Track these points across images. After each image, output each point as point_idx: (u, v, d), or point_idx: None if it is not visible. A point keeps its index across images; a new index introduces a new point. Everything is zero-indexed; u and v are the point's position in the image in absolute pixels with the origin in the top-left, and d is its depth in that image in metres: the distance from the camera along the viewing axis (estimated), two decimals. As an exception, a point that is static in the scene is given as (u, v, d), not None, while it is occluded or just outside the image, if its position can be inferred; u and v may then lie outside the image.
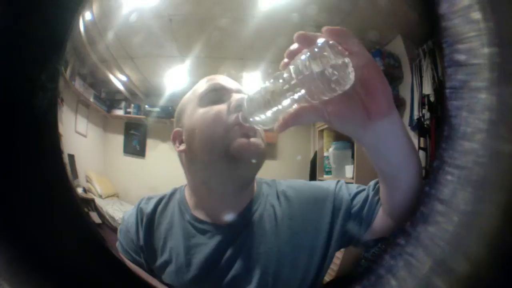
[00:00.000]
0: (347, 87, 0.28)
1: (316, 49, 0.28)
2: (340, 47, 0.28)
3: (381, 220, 0.39)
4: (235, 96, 0.40)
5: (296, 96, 0.30)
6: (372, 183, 0.41)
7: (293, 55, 0.31)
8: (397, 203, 0.37)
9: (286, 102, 0.32)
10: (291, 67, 0.30)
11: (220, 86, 0.41)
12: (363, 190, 0.41)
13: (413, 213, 0.31)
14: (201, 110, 0.40)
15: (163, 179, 0.47)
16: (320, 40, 0.29)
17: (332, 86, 0.28)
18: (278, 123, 0.33)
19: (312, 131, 0.46)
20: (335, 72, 0.27)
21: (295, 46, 0.32)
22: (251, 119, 0.35)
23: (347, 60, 0.28)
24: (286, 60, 0.32)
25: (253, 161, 0.40)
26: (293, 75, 0.30)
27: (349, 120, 0.32)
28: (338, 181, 0.43)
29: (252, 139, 0.39)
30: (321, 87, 0.28)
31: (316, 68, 0.28)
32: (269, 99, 0.32)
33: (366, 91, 0.30)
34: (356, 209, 0.41)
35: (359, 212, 0.40)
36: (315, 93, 0.29)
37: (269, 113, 0.33)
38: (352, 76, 0.28)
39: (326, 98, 0.29)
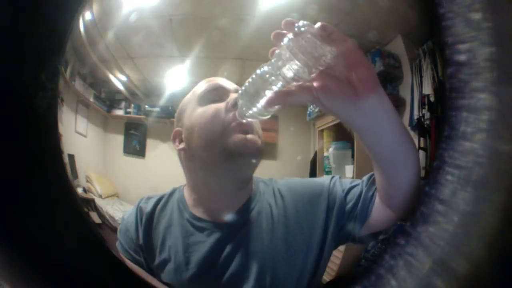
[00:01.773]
0: (329, 57, 0.30)
1: (296, 29, 0.30)
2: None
3: (379, 212, 0.39)
4: (233, 96, 0.40)
5: (285, 76, 0.32)
6: (365, 177, 0.41)
7: (278, 36, 0.32)
8: (395, 190, 0.37)
9: (276, 87, 0.33)
10: (277, 51, 0.32)
11: (218, 86, 0.42)
12: (357, 185, 0.42)
13: (413, 213, 0.31)
14: (201, 109, 0.41)
15: (163, 179, 0.47)
16: (301, 23, 0.31)
17: (316, 56, 0.30)
18: (266, 99, 0.33)
19: (312, 131, 0.46)
20: (317, 43, 0.30)
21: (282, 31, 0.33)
22: (247, 113, 0.36)
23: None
24: (273, 48, 0.34)
25: (251, 158, 0.41)
26: (283, 54, 0.31)
27: (337, 96, 0.33)
28: (333, 177, 0.43)
29: (249, 136, 0.39)
30: (306, 59, 0.30)
31: (298, 42, 0.30)
32: (261, 86, 0.33)
33: (350, 70, 0.32)
34: (350, 206, 0.41)
35: (353, 210, 0.41)
36: (301, 67, 0.30)
37: (263, 101, 0.34)
38: (333, 50, 0.30)
39: (313, 71, 0.31)
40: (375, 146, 0.36)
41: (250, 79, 0.34)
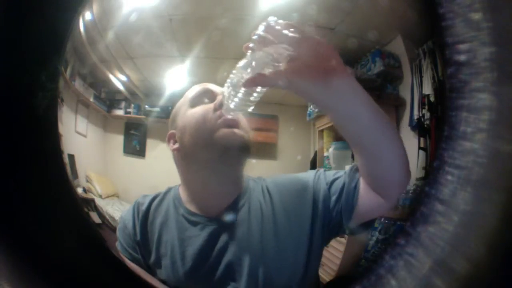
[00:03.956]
0: (292, 46, 0.33)
1: (265, 23, 0.35)
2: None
3: (368, 200, 0.40)
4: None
5: (259, 64, 0.35)
6: (348, 168, 0.42)
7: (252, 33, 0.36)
8: (379, 175, 0.38)
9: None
10: (251, 45, 0.36)
11: (208, 89, 0.44)
12: (340, 176, 0.42)
13: (413, 213, 0.31)
14: (191, 110, 0.43)
15: (162, 179, 0.47)
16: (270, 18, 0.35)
17: (282, 43, 0.33)
18: (246, 80, 0.36)
19: (312, 131, 0.46)
20: (283, 35, 0.34)
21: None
22: (232, 105, 0.38)
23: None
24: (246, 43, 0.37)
25: (238, 151, 0.42)
26: (255, 47, 0.35)
27: (307, 77, 0.35)
28: (317, 171, 0.44)
29: (236, 130, 0.42)
30: (273, 48, 0.34)
31: (267, 33, 0.34)
32: (240, 76, 0.36)
33: (318, 56, 0.34)
34: (334, 199, 0.42)
35: (337, 202, 0.41)
36: (271, 55, 0.34)
37: (243, 93, 0.37)
38: (294, 38, 0.33)
39: (281, 58, 0.34)
40: (350, 128, 0.37)
41: (231, 74, 0.37)
